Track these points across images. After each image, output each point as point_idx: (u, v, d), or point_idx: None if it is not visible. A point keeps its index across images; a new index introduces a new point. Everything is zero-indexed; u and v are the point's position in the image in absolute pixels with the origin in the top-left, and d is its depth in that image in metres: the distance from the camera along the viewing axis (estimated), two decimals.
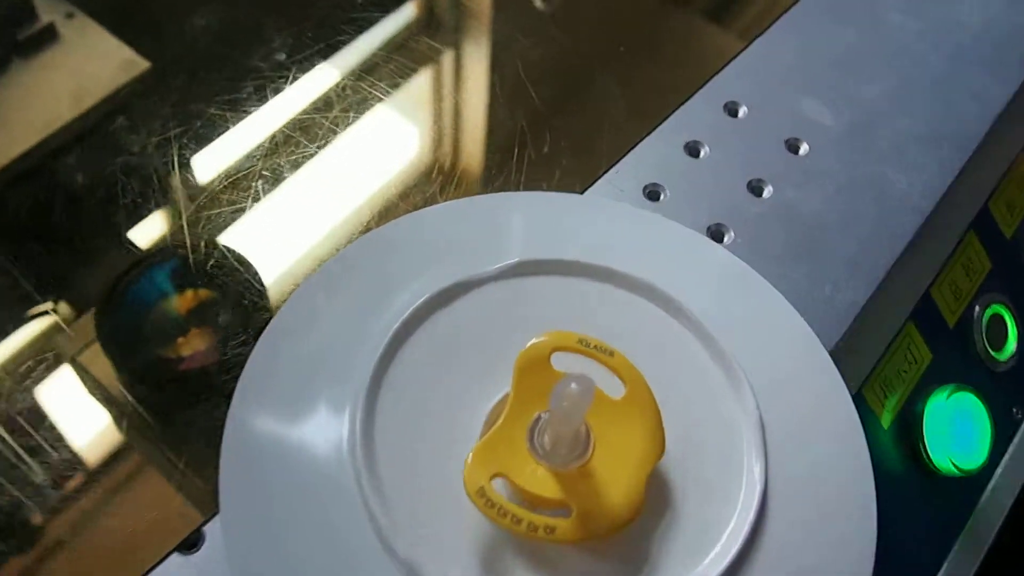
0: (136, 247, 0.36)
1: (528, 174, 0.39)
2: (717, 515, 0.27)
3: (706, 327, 0.30)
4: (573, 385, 0.24)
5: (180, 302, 0.35)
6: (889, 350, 0.38)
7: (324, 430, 0.28)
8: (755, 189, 0.38)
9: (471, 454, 0.25)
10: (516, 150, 0.40)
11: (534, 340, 0.27)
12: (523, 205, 0.35)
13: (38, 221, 0.36)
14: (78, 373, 0.33)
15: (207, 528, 0.28)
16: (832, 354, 0.32)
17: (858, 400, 0.35)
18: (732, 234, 0.37)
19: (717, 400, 0.30)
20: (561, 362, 0.27)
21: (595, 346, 0.27)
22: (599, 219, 0.34)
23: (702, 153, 0.39)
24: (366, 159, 0.40)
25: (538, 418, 0.26)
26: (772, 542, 0.27)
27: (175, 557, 0.27)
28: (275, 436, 0.28)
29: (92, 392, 0.32)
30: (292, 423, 0.28)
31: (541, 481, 0.26)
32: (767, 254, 0.36)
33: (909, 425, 0.39)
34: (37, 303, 0.34)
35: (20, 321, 0.34)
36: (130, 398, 0.32)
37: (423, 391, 0.29)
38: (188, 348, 0.34)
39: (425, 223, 0.33)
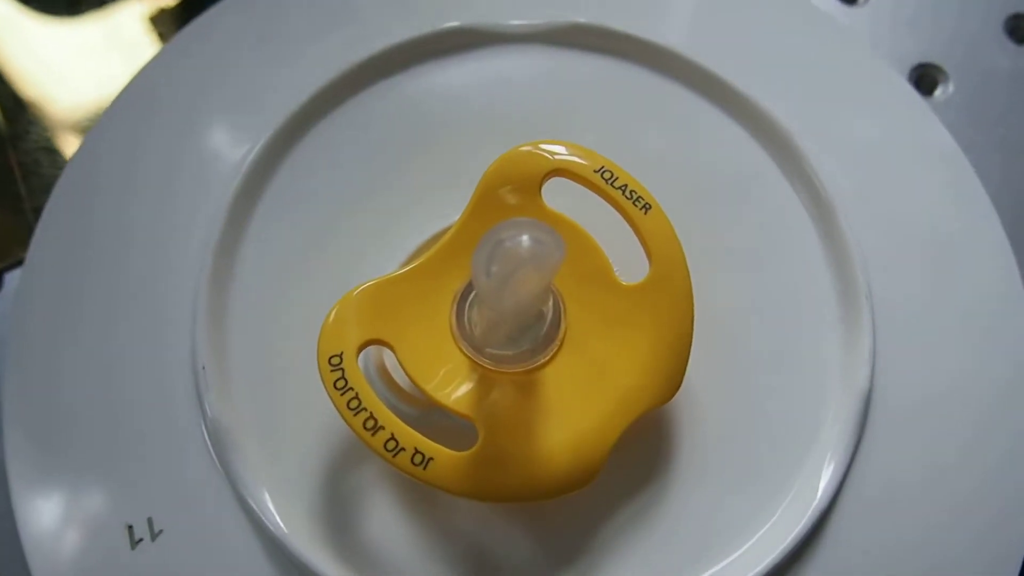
0: None
1: None
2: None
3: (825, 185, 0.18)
4: (524, 239, 0.13)
5: None
6: None
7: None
8: (1015, 32, 0.24)
9: (347, 295, 0.15)
10: None
11: (522, 147, 0.16)
12: None
13: None
14: None
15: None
16: None
17: None
18: (950, 88, 0.23)
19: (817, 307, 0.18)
20: (561, 201, 0.16)
21: (625, 186, 0.16)
22: None
23: None
24: None
25: None
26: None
27: None
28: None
29: None
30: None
31: (445, 373, 0.15)
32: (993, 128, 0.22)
33: None
34: None
35: None
36: None
37: (318, 198, 0.18)
38: None
39: None
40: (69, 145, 0.23)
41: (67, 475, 0.16)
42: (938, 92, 0.23)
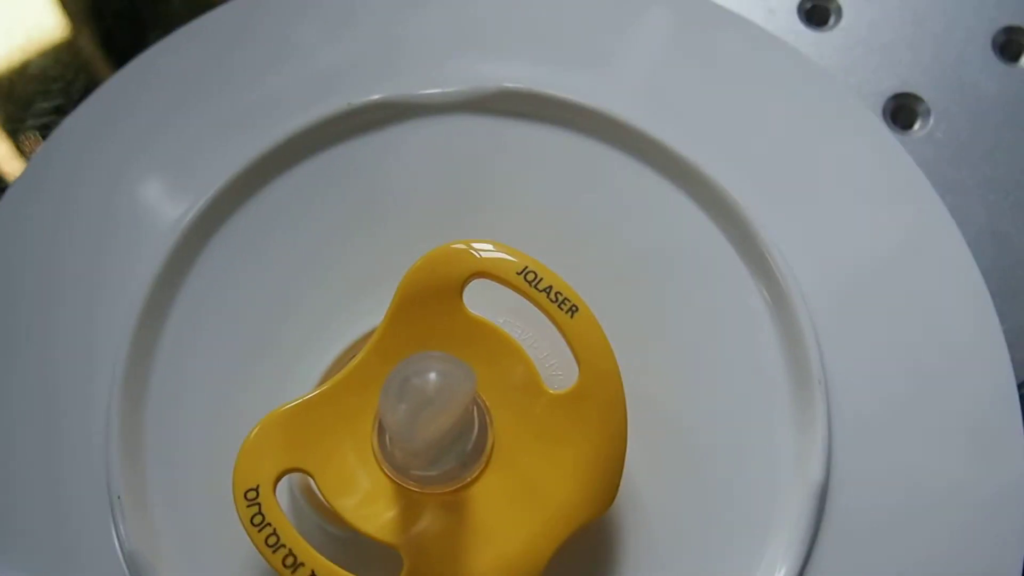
0: None
1: None
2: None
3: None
4: (431, 377, 0.13)
5: None
6: None
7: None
8: (1007, 48, 0.22)
9: (258, 425, 0.15)
10: None
11: (443, 248, 0.15)
12: None
13: None
14: None
15: None
16: None
17: None
18: (931, 121, 0.21)
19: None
20: (484, 303, 0.15)
21: (549, 287, 0.15)
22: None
23: None
24: None
25: None
26: None
27: None
28: None
29: None
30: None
31: (368, 500, 0.15)
32: (970, 159, 0.21)
33: None
34: None
35: None
36: None
37: (239, 296, 0.18)
38: None
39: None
40: None
41: None
42: (917, 126, 0.21)
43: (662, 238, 0.18)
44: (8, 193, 0.19)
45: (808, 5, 0.22)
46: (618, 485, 0.15)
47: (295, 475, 0.16)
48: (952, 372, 0.16)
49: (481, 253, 0.15)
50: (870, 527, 0.15)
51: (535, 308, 0.15)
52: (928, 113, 0.21)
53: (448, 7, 0.20)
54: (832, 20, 0.22)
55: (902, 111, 0.21)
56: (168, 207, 0.18)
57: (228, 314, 0.17)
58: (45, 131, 0.22)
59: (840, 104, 0.19)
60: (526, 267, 0.15)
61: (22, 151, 0.22)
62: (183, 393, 0.17)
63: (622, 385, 0.15)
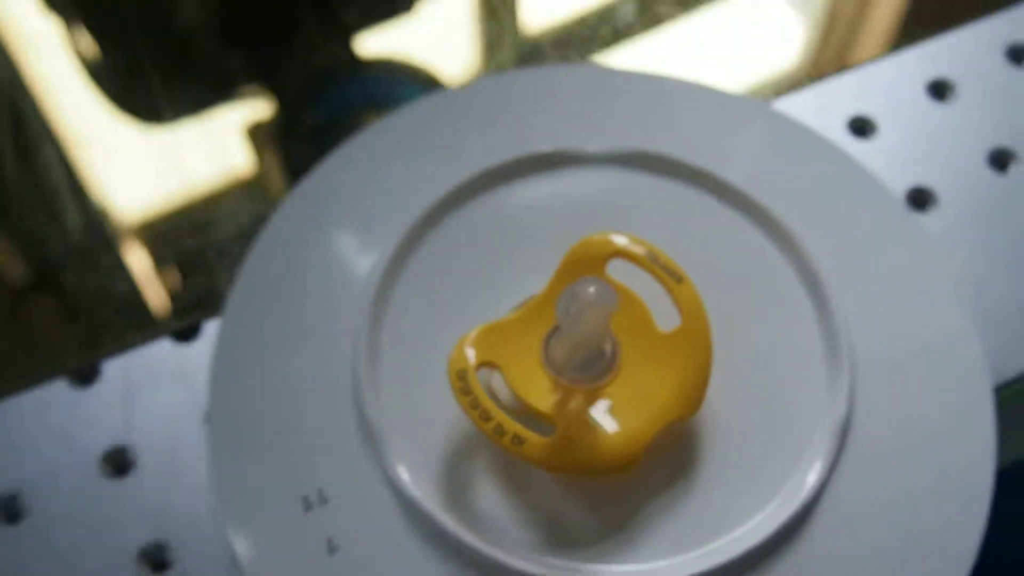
0: None
1: None
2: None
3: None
4: (591, 290, 0.20)
5: None
6: None
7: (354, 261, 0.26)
8: (999, 159, 0.30)
9: (469, 333, 0.22)
10: None
11: (594, 235, 0.23)
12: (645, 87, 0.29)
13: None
14: None
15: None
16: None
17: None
18: (941, 206, 0.29)
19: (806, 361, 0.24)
20: (619, 273, 0.23)
21: (665, 265, 0.23)
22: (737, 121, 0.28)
23: (949, 97, 0.31)
24: None
25: None
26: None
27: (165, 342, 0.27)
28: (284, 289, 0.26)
29: None
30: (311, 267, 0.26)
31: (536, 388, 0.22)
32: (986, 247, 0.28)
33: None
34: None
35: None
36: None
37: (447, 275, 0.26)
38: None
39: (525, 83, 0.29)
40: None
41: (259, 461, 0.23)
42: (930, 208, 0.29)
43: (746, 272, 0.25)
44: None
45: (855, 123, 0.31)
46: (703, 397, 0.22)
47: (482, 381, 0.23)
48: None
49: (619, 240, 0.23)
50: (884, 451, 0.22)
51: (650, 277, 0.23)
52: (940, 202, 0.29)
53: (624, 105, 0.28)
54: (871, 134, 0.30)
55: (918, 198, 0.29)
56: (386, 229, 0.26)
57: (436, 297, 0.25)
58: None
59: (876, 194, 0.27)
60: (649, 250, 0.23)
61: None
62: (408, 329, 0.25)
63: (710, 331, 0.22)
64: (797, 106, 0.31)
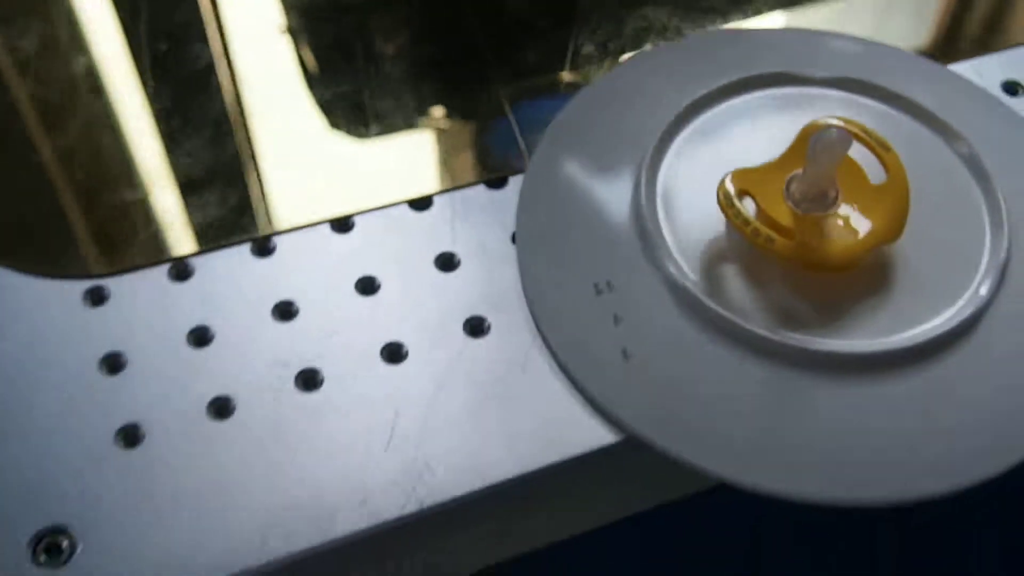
0: None
1: None
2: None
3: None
4: (833, 131, 0.29)
5: None
6: None
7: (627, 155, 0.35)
8: None
9: (731, 172, 0.31)
10: None
11: (825, 116, 0.32)
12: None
13: None
14: None
15: None
16: None
17: None
18: None
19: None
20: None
21: (876, 139, 0.31)
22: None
23: None
24: None
25: (798, 173, 0.31)
26: None
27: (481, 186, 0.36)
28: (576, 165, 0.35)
29: None
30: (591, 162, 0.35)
31: (780, 210, 0.30)
32: None
33: None
34: None
35: None
36: None
37: (704, 142, 0.35)
38: None
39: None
40: None
41: (562, 264, 0.32)
42: None
43: (932, 173, 0.34)
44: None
45: (1008, 84, 0.39)
46: (903, 228, 0.30)
47: None
48: None
49: (847, 123, 0.31)
50: None
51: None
52: None
53: None
54: (1020, 93, 0.39)
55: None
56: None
57: (694, 153, 0.34)
58: None
59: None
60: (865, 129, 0.31)
61: None
62: (675, 173, 0.34)
63: (908, 184, 0.30)
64: (964, 70, 0.39)
